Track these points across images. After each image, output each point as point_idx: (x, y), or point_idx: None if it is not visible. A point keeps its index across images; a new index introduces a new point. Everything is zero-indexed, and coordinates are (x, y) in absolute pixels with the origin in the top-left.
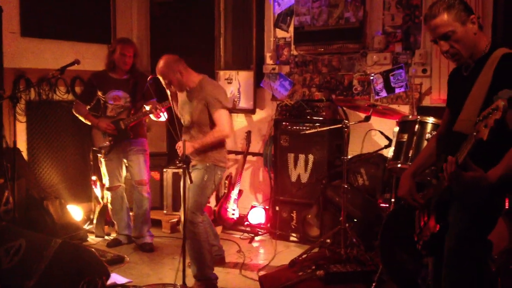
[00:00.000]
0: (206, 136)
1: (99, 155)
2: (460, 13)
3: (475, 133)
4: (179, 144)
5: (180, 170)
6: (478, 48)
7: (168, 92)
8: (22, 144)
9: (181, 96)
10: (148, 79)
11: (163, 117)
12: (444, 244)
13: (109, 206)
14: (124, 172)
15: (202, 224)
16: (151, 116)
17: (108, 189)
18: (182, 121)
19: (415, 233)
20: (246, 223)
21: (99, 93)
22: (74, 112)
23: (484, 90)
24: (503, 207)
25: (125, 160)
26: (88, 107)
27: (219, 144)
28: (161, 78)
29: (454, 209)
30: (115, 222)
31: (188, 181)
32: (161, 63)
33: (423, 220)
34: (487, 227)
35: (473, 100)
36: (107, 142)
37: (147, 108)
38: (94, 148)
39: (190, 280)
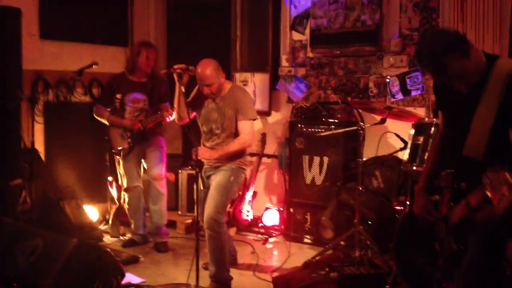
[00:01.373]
0: (229, 145)
1: (117, 156)
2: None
3: (484, 191)
4: (197, 149)
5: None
6: (476, 66)
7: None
8: (39, 145)
9: (208, 103)
10: (162, 72)
11: (171, 118)
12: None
13: (126, 206)
14: (141, 172)
15: (225, 225)
16: None
17: (126, 189)
18: (204, 128)
19: (437, 241)
20: (260, 224)
21: (118, 96)
22: (95, 116)
23: (493, 112)
24: None
25: (143, 160)
26: (108, 109)
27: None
28: (204, 80)
29: (470, 237)
30: (131, 221)
31: (201, 185)
32: (209, 66)
33: (442, 231)
34: (507, 238)
35: (481, 123)
36: (126, 144)
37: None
38: (113, 150)
39: (204, 281)
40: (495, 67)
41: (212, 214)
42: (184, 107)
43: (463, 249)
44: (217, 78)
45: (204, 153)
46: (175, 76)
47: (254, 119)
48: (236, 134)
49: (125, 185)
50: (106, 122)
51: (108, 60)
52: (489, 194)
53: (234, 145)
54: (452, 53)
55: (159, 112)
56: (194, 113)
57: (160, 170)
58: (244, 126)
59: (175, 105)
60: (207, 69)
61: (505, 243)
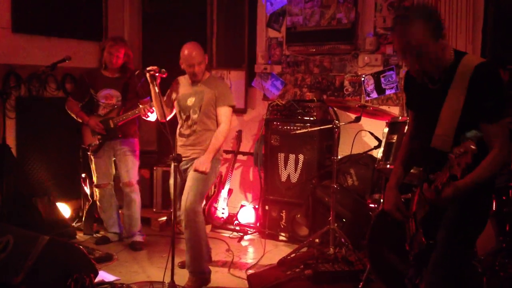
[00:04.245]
0: (213, 141)
1: (88, 152)
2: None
3: (449, 169)
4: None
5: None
6: (444, 61)
7: (156, 89)
8: (11, 141)
9: (187, 89)
10: (136, 73)
11: (152, 117)
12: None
13: (98, 203)
14: (113, 171)
15: (202, 214)
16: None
17: (96, 186)
18: (182, 115)
19: (407, 242)
20: (235, 222)
21: (91, 91)
22: (67, 109)
23: (460, 105)
24: (490, 209)
25: (114, 159)
26: (80, 104)
27: None
28: (193, 59)
29: (441, 223)
30: (103, 220)
31: (179, 178)
32: (196, 46)
33: (412, 230)
34: (476, 231)
35: (448, 115)
36: (96, 141)
37: (140, 107)
38: (83, 146)
39: (178, 278)
40: (462, 62)
41: (190, 203)
42: (161, 106)
43: (432, 244)
44: (204, 58)
45: (203, 164)
46: (147, 77)
47: (233, 106)
48: (211, 121)
49: (96, 181)
50: (75, 117)
51: (82, 55)
52: (453, 169)
53: (218, 139)
54: (433, 31)
55: (132, 110)
56: (172, 110)
57: (131, 177)
58: (224, 112)
59: (154, 105)
60: (195, 49)
61: (472, 235)
